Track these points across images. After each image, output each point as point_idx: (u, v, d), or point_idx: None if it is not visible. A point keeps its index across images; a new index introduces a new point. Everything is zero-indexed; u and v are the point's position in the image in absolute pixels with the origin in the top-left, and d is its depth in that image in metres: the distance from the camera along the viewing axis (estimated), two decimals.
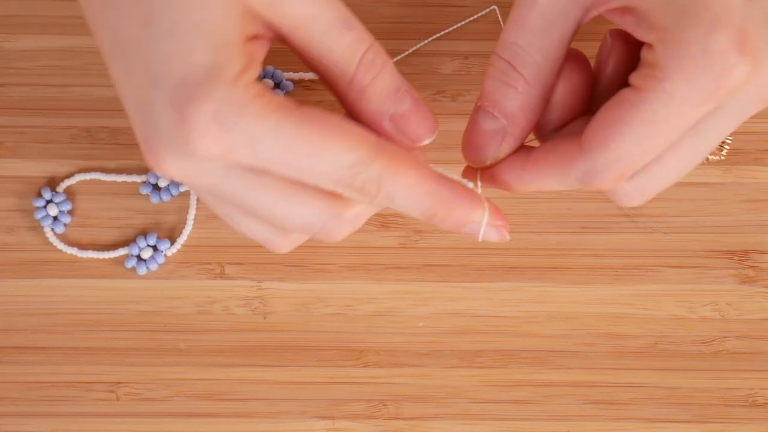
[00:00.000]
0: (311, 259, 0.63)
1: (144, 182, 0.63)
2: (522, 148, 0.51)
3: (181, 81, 0.45)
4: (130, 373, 0.63)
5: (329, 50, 0.48)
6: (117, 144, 0.63)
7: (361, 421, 0.62)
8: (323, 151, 0.46)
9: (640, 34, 0.47)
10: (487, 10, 0.64)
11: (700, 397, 0.63)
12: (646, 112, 0.46)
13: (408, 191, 0.48)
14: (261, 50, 0.48)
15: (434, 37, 0.64)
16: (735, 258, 0.63)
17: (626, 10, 0.47)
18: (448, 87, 0.64)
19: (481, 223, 0.50)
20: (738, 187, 0.63)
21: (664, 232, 0.62)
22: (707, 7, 0.45)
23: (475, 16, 0.63)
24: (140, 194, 0.63)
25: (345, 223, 0.50)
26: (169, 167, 0.47)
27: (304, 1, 0.47)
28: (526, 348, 0.63)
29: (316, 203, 0.48)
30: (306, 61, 0.49)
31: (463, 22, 0.64)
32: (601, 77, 0.51)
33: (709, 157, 0.62)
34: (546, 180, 0.50)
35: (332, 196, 0.48)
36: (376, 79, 0.49)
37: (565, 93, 0.50)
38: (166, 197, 0.63)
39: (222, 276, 0.63)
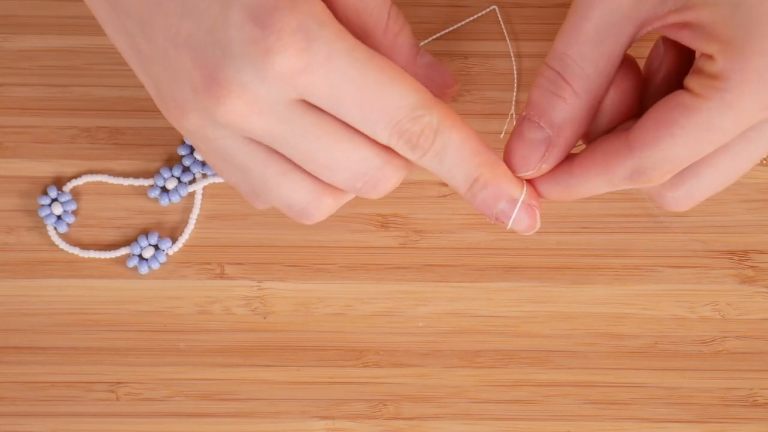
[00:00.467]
0: (311, 259, 0.63)
1: (152, 186, 0.63)
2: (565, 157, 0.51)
3: None
4: (130, 373, 0.63)
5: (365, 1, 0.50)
6: (117, 144, 0.63)
7: (361, 421, 0.62)
8: (391, 85, 0.47)
9: (699, 46, 0.47)
10: (488, 9, 0.64)
11: (700, 397, 0.63)
12: (702, 119, 0.47)
13: (460, 146, 0.49)
14: None
15: (434, 37, 0.64)
16: (735, 258, 0.63)
17: (683, 25, 0.47)
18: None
19: (516, 201, 0.50)
20: (738, 187, 0.63)
21: (700, 241, 0.63)
22: None
23: (476, 16, 0.63)
24: (141, 195, 0.63)
25: (392, 172, 0.50)
26: (236, 99, 0.47)
27: None
28: (526, 348, 0.63)
29: (370, 148, 0.49)
30: (342, 14, 0.50)
31: (463, 22, 0.64)
32: (651, 84, 0.52)
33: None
34: (594, 181, 0.51)
35: (382, 146, 0.49)
36: (403, 29, 0.52)
37: (615, 99, 0.51)
38: (175, 199, 0.63)
39: (222, 276, 0.63)
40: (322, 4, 0.47)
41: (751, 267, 0.63)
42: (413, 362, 0.63)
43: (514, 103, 0.63)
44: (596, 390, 0.63)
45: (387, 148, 0.50)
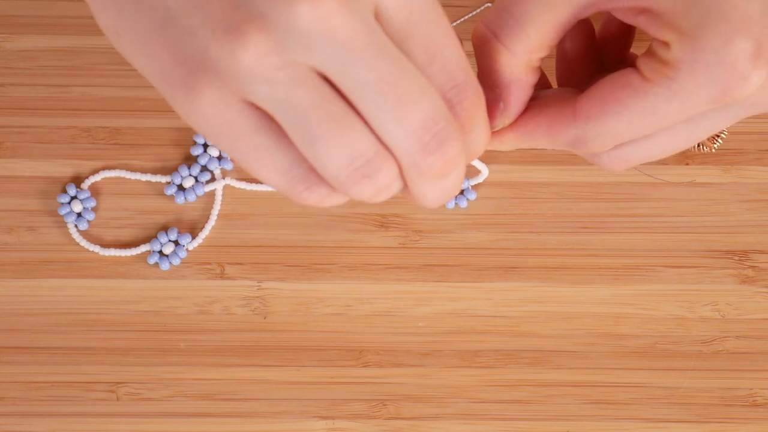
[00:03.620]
0: (311, 259, 0.63)
1: (168, 183, 0.63)
2: None
3: None
4: (130, 373, 0.63)
5: None
6: (117, 144, 0.63)
7: (361, 421, 0.62)
8: (456, 42, 0.44)
9: (654, 32, 0.47)
10: (482, 7, 0.64)
11: (700, 397, 0.63)
12: (647, 103, 0.47)
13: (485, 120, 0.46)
14: None
15: None
16: (735, 258, 0.63)
17: (640, 11, 0.47)
18: None
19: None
20: (738, 187, 0.63)
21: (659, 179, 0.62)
22: (727, 17, 0.45)
23: (470, 15, 0.63)
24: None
25: (449, 126, 0.43)
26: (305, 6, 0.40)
27: None
28: (526, 348, 0.63)
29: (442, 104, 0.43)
30: None
31: (457, 21, 0.64)
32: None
33: (703, 148, 0.63)
34: (537, 140, 0.51)
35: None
36: None
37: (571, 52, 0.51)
38: (191, 198, 0.63)
39: (222, 276, 0.63)
40: None
41: (751, 267, 0.63)
42: (413, 362, 0.63)
43: None
44: (596, 390, 0.63)
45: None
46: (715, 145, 0.63)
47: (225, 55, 0.41)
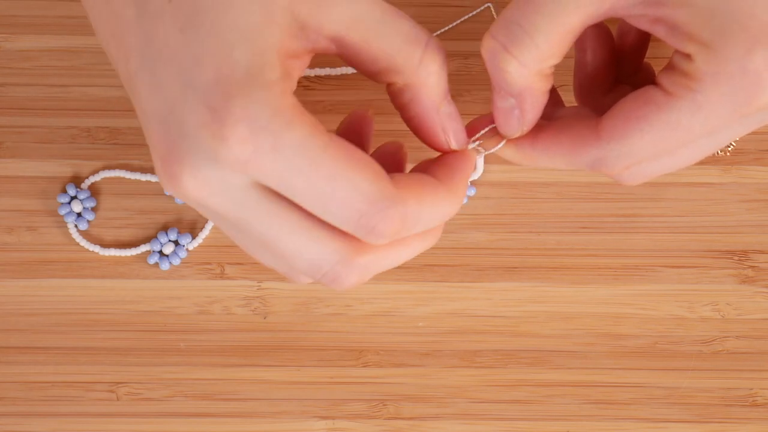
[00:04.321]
0: None
1: None
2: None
3: (217, 78, 0.44)
4: (130, 373, 0.63)
5: (391, 35, 0.48)
6: (117, 144, 0.64)
7: (361, 421, 0.63)
8: (347, 177, 0.45)
9: (674, 43, 0.47)
10: (482, 7, 0.64)
11: (700, 397, 0.63)
12: (671, 117, 0.47)
13: (429, 221, 0.48)
14: (299, 69, 0.47)
15: None
16: (735, 258, 0.63)
17: (656, 20, 0.47)
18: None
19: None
20: (738, 187, 0.63)
21: None
22: (746, 27, 0.46)
23: (470, 15, 0.63)
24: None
25: (354, 270, 0.48)
26: (188, 180, 0.46)
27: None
28: (526, 348, 0.63)
29: (330, 242, 0.47)
30: (362, 60, 0.48)
31: (457, 21, 0.64)
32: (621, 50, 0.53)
33: (717, 152, 0.63)
34: (555, 159, 0.51)
35: (347, 237, 0.47)
36: (442, 69, 0.49)
37: (591, 62, 0.52)
38: None
39: (222, 276, 0.63)
40: (285, 87, 0.45)
41: (751, 267, 0.63)
42: (413, 362, 0.63)
43: None
44: (596, 390, 0.63)
45: (350, 243, 0.47)
46: (730, 148, 0.63)
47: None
